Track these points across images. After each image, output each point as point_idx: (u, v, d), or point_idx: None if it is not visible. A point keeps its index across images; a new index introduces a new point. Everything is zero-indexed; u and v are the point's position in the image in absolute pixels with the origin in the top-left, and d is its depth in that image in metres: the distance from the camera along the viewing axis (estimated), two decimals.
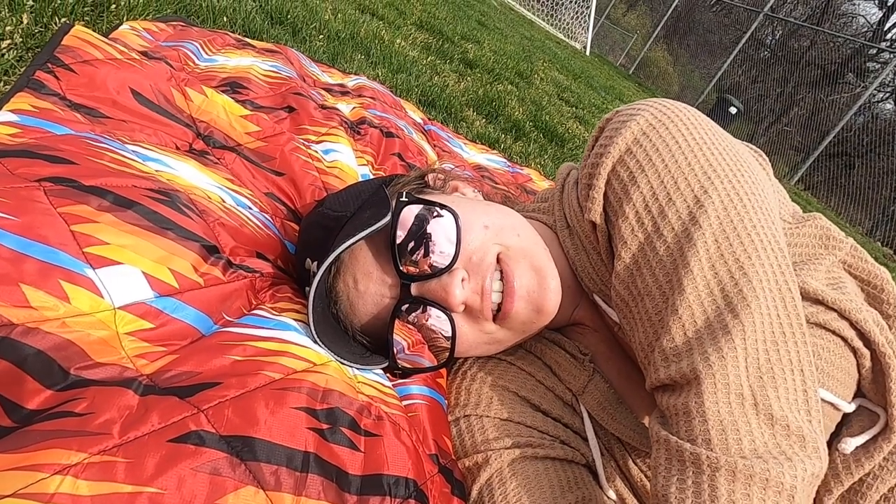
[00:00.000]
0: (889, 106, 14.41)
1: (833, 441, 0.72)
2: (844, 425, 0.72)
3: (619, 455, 0.78)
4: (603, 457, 0.78)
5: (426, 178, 0.89)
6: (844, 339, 0.69)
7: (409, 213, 0.74)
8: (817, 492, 0.73)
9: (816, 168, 11.48)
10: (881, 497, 0.72)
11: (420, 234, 0.72)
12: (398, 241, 0.72)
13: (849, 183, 11.40)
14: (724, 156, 0.65)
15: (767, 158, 0.79)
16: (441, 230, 0.73)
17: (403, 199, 0.75)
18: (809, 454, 0.53)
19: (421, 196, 0.80)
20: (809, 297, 0.69)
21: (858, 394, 0.72)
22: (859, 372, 0.71)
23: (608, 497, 0.75)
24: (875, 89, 10.98)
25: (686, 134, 0.66)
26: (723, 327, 0.57)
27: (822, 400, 0.69)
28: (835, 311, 0.69)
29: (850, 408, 0.71)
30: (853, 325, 0.69)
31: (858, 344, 0.69)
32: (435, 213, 0.74)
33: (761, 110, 14.85)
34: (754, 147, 0.79)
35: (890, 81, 13.14)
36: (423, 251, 0.72)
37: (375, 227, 0.71)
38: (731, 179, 0.63)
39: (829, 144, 10.82)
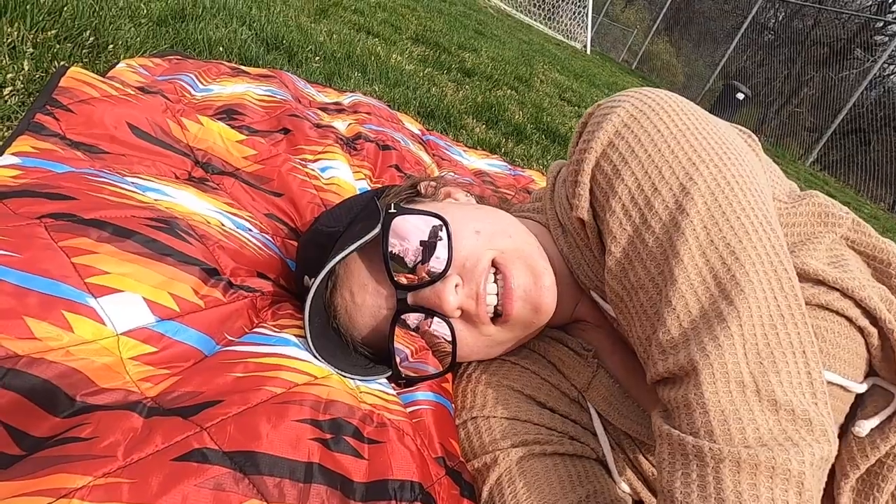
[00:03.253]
0: None
1: (848, 424, 0.71)
2: (859, 407, 0.71)
3: (629, 449, 0.78)
4: (613, 451, 0.77)
5: (418, 187, 0.90)
6: (849, 319, 0.68)
7: (399, 223, 0.75)
8: (834, 476, 0.71)
9: (831, 147, 11.31)
10: None
11: (411, 243, 0.73)
12: (390, 251, 0.73)
13: (866, 159, 11.20)
14: (708, 140, 0.64)
15: (756, 138, 0.77)
16: (432, 238, 0.73)
17: (392, 209, 0.76)
18: (817, 438, 0.51)
19: (411, 205, 0.81)
20: (810, 278, 0.67)
21: (871, 373, 0.70)
22: (869, 351, 0.69)
23: (621, 490, 0.75)
24: (885, 63, 10.80)
25: (668, 121, 0.65)
26: (718, 315, 0.56)
27: (831, 382, 0.67)
28: (837, 290, 0.67)
29: (860, 388, 0.69)
30: (857, 303, 0.67)
31: (864, 322, 0.67)
32: (424, 222, 0.74)
33: (770, 94, 14.68)
34: (741, 127, 0.78)
35: None
36: (415, 260, 0.73)
37: (365, 240, 0.72)
38: (716, 164, 0.62)
39: (843, 122, 10.66)
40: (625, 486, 0.76)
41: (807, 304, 0.67)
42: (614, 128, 0.66)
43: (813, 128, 12.44)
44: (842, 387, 0.68)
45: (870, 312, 0.67)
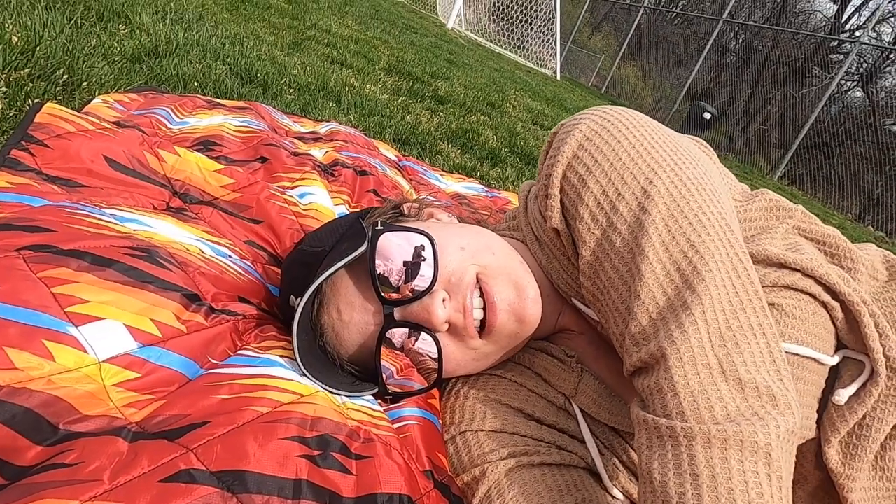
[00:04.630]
0: (859, 93, 14.69)
1: (826, 396, 0.75)
2: (836, 379, 0.75)
3: (621, 449, 0.79)
4: (603, 455, 0.78)
5: (401, 208, 0.92)
6: (813, 296, 0.73)
7: (386, 240, 0.76)
8: (818, 444, 0.75)
9: (798, 162, 11.69)
10: (887, 437, 0.74)
11: (398, 260, 0.74)
12: (377, 268, 0.74)
13: (831, 172, 11.58)
14: (664, 148, 0.69)
15: (710, 147, 0.84)
16: (417, 254, 0.75)
17: (379, 227, 0.78)
18: (782, 411, 0.55)
19: (396, 223, 0.82)
20: (773, 263, 0.73)
21: (841, 346, 0.75)
22: (834, 324, 0.74)
23: (613, 497, 0.76)
24: (842, 79, 11.25)
25: (626, 133, 0.70)
26: (682, 304, 0.60)
27: (805, 356, 0.72)
28: (798, 271, 0.73)
29: (833, 360, 0.74)
30: (818, 280, 0.73)
31: (826, 298, 0.73)
32: (410, 239, 0.76)
33: (735, 113, 15.16)
34: (696, 138, 0.84)
35: (855, 70, 13.46)
36: (402, 276, 0.74)
37: (353, 256, 0.73)
38: (673, 168, 0.67)
39: (806, 137, 11.04)
40: (617, 493, 0.76)
41: (773, 286, 0.72)
42: (577, 142, 0.71)
43: (778, 144, 12.84)
44: (815, 360, 0.73)
45: (830, 288, 0.73)
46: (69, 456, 0.49)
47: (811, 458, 0.77)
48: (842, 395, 0.72)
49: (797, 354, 0.71)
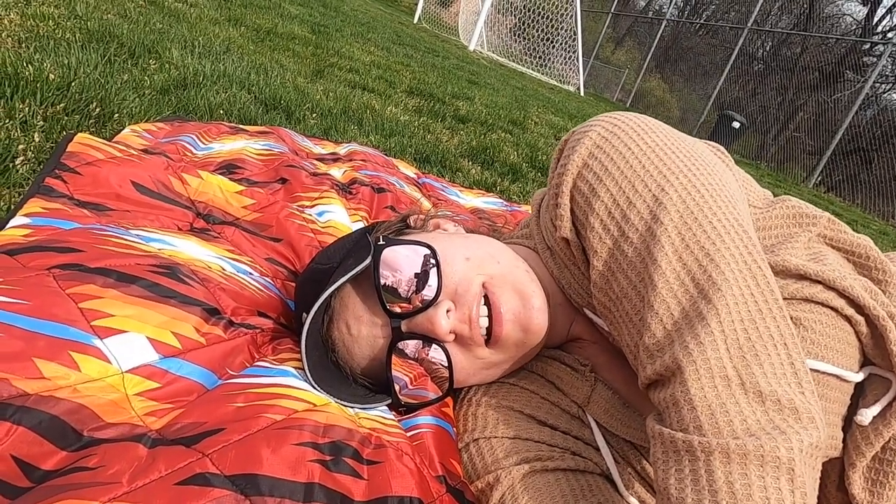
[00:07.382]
0: (895, 96, 14.29)
1: (851, 415, 0.71)
2: (860, 396, 0.72)
3: (636, 460, 0.78)
4: (618, 464, 0.77)
5: (408, 221, 0.93)
6: (835, 310, 0.69)
7: (389, 253, 0.78)
8: (843, 468, 0.72)
9: (834, 168, 11.39)
10: None
11: (402, 272, 0.76)
12: (381, 281, 0.76)
13: (870, 177, 11.23)
14: (676, 154, 0.68)
15: (726, 151, 0.81)
16: (423, 266, 0.76)
17: (381, 242, 0.79)
18: (805, 425, 0.52)
19: (401, 236, 0.84)
20: (792, 274, 0.70)
21: (867, 362, 0.72)
22: (860, 340, 0.71)
23: (628, 503, 0.75)
24: (875, 82, 10.99)
25: (637, 140, 0.69)
26: (698, 314, 0.58)
27: (826, 373, 0.69)
28: (820, 283, 0.69)
29: (857, 377, 0.70)
30: (841, 293, 0.69)
31: (850, 311, 0.69)
32: (414, 251, 0.77)
33: (766, 121, 14.90)
34: (711, 142, 0.82)
35: (890, 71, 13.14)
36: (411, 287, 0.75)
37: (356, 271, 0.75)
38: (685, 174, 0.65)
39: (842, 142, 10.77)
40: (633, 501, 0.75)
41: (792, 298, 0.69)
42: (587, 150, 0.70)
43: (813, 150, 12.54)
44: (837, 377, 0.69)
45: (854, 301, 0.69)
46: (91, 460, 0.52)
47: (834, 478, 0.74)
48: (865, 416, 0.69)
49: (817, 371, 0.68)
